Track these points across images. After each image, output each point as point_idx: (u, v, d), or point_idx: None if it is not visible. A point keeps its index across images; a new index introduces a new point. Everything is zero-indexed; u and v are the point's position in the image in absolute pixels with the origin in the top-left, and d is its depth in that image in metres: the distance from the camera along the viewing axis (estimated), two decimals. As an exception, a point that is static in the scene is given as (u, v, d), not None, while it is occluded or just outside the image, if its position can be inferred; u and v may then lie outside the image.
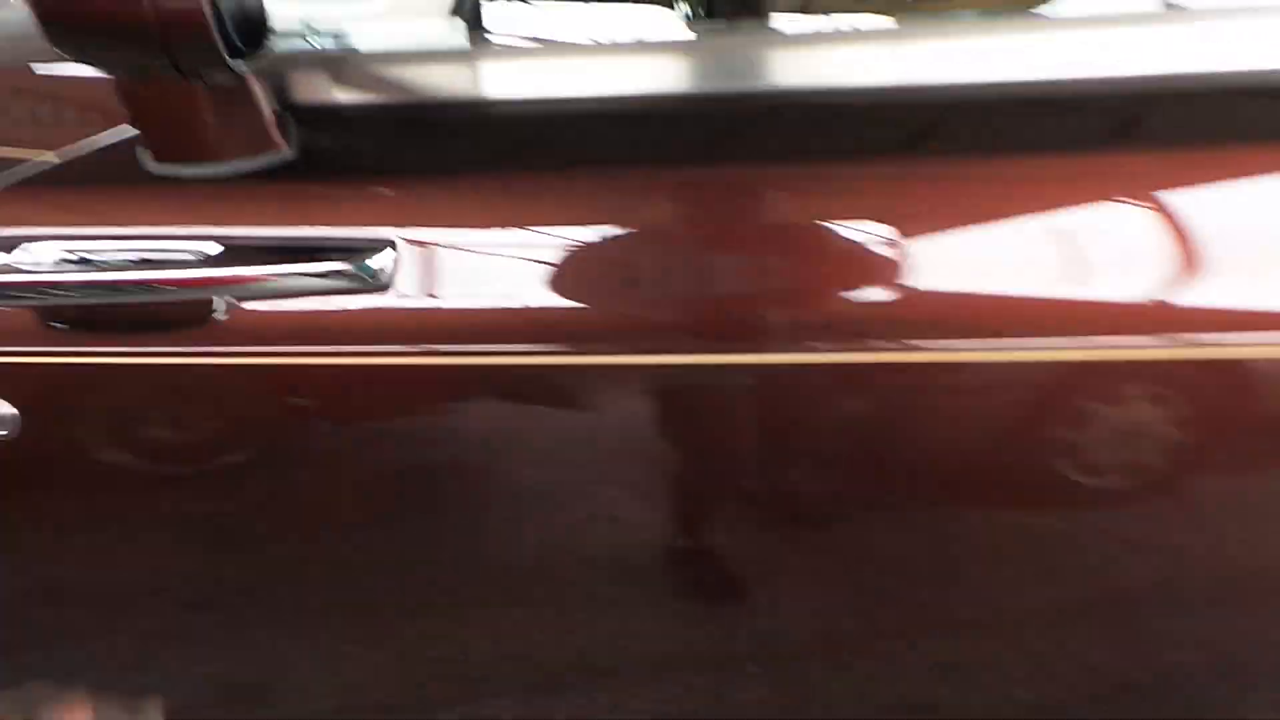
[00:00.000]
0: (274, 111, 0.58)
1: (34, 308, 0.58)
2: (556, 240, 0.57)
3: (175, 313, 0.58)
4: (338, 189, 0.60)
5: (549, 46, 0.81)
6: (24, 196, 0.60)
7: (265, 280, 0.56)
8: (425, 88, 0.64)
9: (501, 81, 0.65)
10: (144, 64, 0.50)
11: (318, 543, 0.64)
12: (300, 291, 0.57)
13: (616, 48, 0.76)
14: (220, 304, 0.58)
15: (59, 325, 0.58)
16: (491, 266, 0.57)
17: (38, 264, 0.58)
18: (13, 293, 0.57)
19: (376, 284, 0.56)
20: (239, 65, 0.52)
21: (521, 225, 0.58)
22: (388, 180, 0.60)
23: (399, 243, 0.57)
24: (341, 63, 0.63)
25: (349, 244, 0.57)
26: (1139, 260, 0.55)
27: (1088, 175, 0.57)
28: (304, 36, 0.64)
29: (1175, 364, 0.56)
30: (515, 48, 0.77)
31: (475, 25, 0.70)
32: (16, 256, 0.58)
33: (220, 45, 0.49)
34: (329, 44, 0.65)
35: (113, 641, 0.69)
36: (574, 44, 0.87)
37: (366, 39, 0.64)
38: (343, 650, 0.67)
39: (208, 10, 0.47)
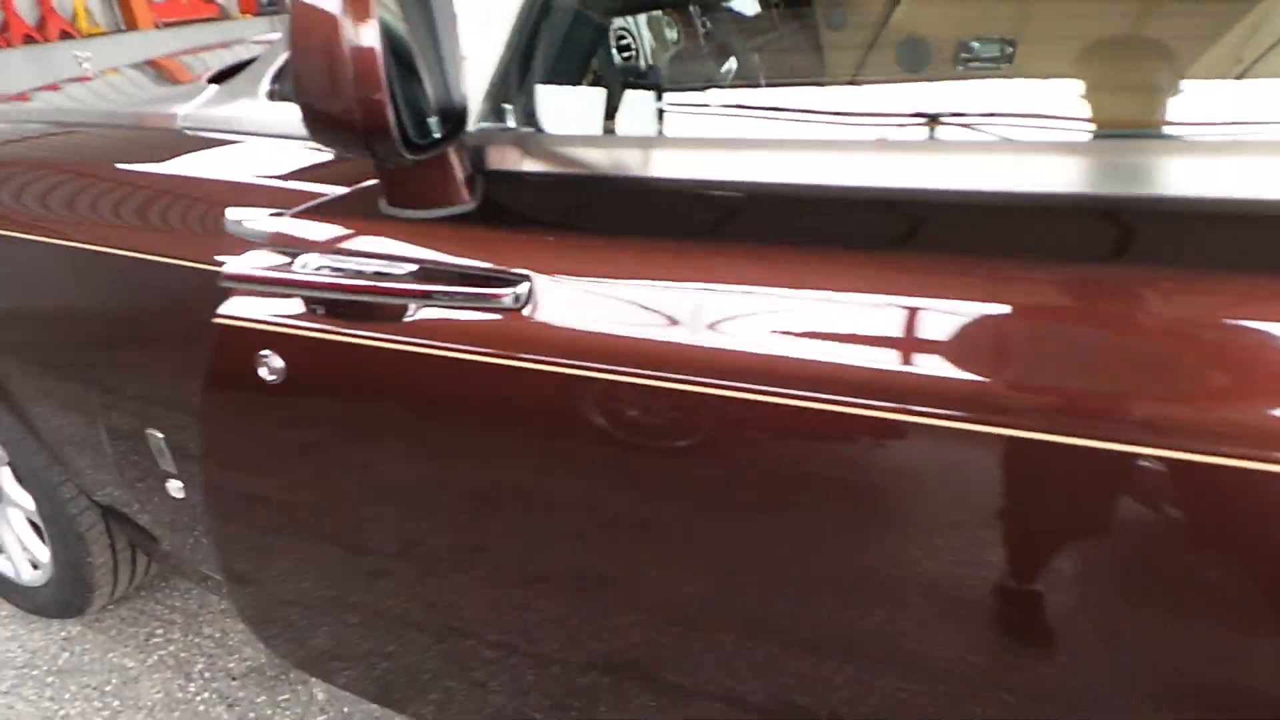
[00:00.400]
0: (468, 174, 0.78)
1: (302, 297, 0.83)
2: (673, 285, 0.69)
3: (385, 310, 0.79)
4: (500, 234, 0.77)
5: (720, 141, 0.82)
6: (310, 219, 0.84)
7: (441, 295, 0.76)
8: (584, 164, 0.80)
9: (651, 163, 0.78)
10: (358, 150, 0.70)
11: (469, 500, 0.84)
12: (463, 305, 0.75)
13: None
14: (412, 308, 0.77)
15: (315, 309, 0.82)
16: (613, 305, 0.70)
17: (306, 268, 0.82)
18: (292, 287, 0.83)
19: (515, 306, 0.73)
20: (417, 155, 0.71)
21: (643, 276, 0.70)
22: (537, 230, 0.77)
23: (535, 278, 0.72)
24: (525, 140, 0.81)
25: (501, 275, 0.74)
26: None
27: None
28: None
29: None
30: (673, 139, 0.85)
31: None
32: (298, 263, 0.82)
33: (399, 145, 0.69)
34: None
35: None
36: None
37: (548, 124, 0.83)
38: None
39: (393, 126, 0.67)
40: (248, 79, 1.09)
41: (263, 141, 1.05)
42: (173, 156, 1.08)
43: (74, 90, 1.61)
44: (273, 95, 1.06)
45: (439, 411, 0.80)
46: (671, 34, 1.65)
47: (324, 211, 0.84)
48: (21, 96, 1.69)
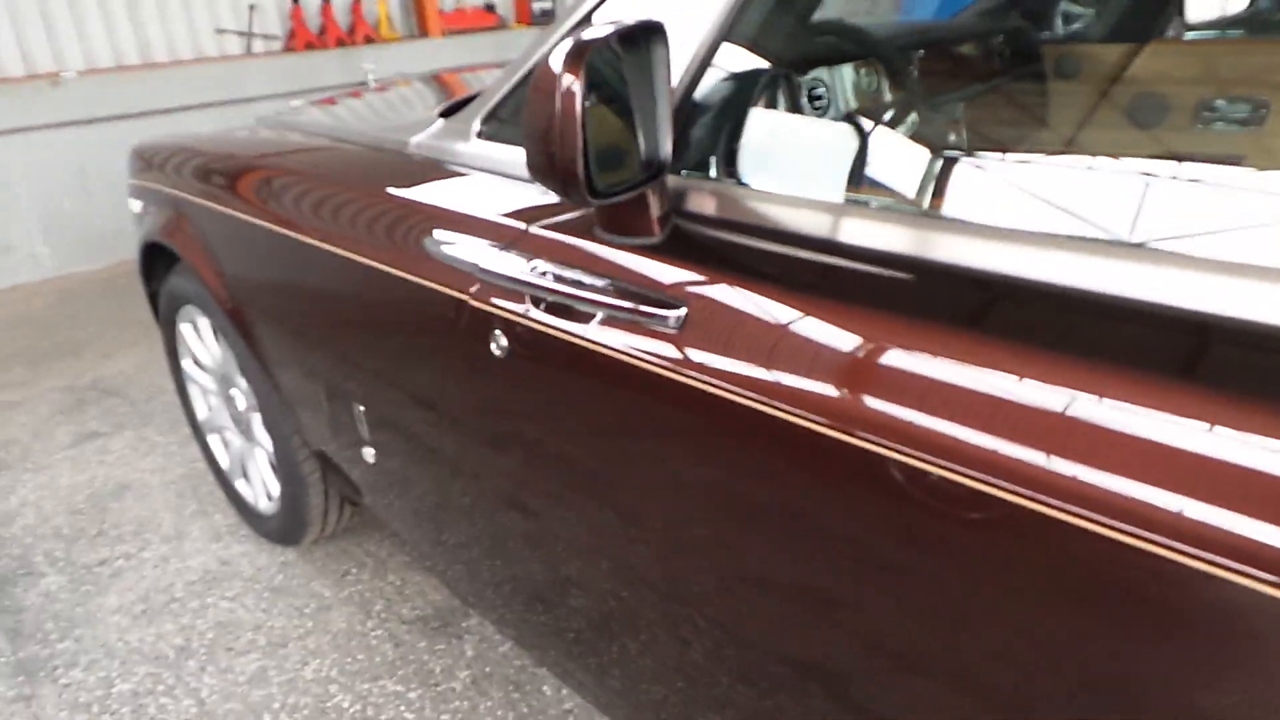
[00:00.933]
0: (663, 213, 0.92)
1: (527, 295, 1.01)
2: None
3: (579, 313, 0.95)
4: (674, 267, 0.88)
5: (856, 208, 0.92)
6: (549, 230, 1.03)
7: (643, 312, 0.88)
8: (759, 217, 0.90)
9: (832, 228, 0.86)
10: (555, 188, 0.85)
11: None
12: (634, 317, 0.89)
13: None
14: (599, 313, 0.92)
15: (536, 304, 1.00)
16: (755, 343, 0.79)
17: (535, 271, 1.00)
18: (521, 287, 1.01)
19: (674, 327, 0.85)
20: (599, 199, 0.85)
21: (787, 322, 0.78)
22: (705, 269, 0.87)
23: (690, 307, 0.84)
24: (717, 189, 0.96)
25: (667, 300, 0.86)
26: None
27: None
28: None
29: None
30: (850, 206, 0.94)
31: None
32: (531, 269, 1.01)
33: (584, 192, 0.83)
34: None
35: None
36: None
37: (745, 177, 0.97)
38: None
39: (581, 177, 0.82)
40: (464, 118, 1.27)
41: (471, 174, 1.22)
42: (399, 180, 1.29)
43: (345, 110, 1.90)
44: (480, 135, 1.23)
45: (608, 400, 0.94)
46: (870, 83, 1.64)
47: (560, 227, 1.02)
48: (329, 100, 2.03)
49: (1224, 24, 1.82)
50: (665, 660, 1.00)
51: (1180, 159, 1.29)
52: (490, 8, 6.05)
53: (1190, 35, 1.83)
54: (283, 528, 1.94)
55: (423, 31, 5.69)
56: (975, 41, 1.83)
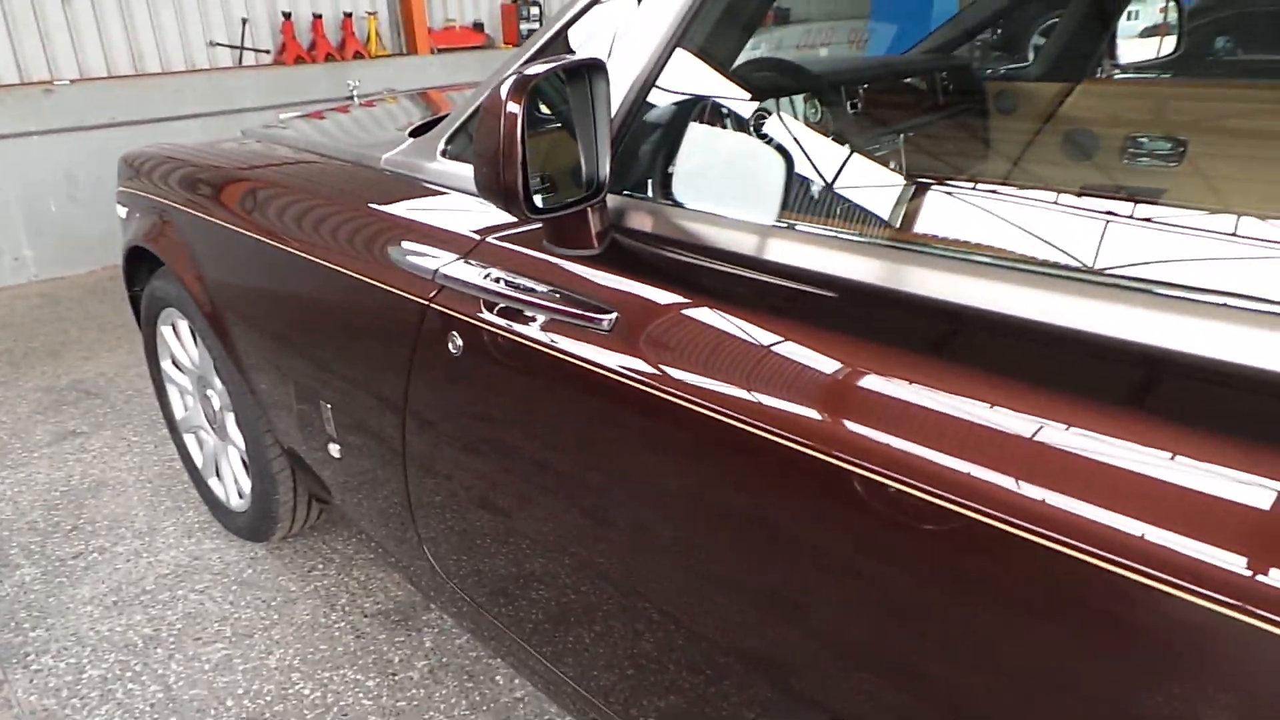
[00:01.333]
0: (602, 229, 1.02)
1: (480, 299, 1.10)
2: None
3: (524, 315, 1.04)
4: (609, 276, 0.98)
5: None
6: (503, 242, 1.13)
7: (579, 315, 0.97)
8: (685, 234, 1.00)
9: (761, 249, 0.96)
10: (498, 204, 0.95)
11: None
12: (571, 320, 0.98)
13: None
14: (542, 316, 1.02)
15: (487, 308, 1.09)
16: (680, 345, 0.89)
17: (488, 277, 1.10)
18: (476, 292, 1.10)
19: (605, 329, 0.94)
20: (538, 215, 0.95)
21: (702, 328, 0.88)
22: (635, 278, 0.96)
23: (620, 312, 0.93)
24: (652, 208, 1.06)
25: (601, 305, 0.96)
26: None
27: None
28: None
29: None
30: (772, 226, 1.03)
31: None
32: (485, 276, 1.10)
33: (524, 209, 0.93)
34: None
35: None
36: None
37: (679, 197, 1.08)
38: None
39: (521, 195, 0.91)
40: (431, 137, 1.37)
41: (435, 190, 1.32)
42: (370, 194, 1.38)
43: (331, 124, 2.00)
44: (444, 154, 1.32)
45: (550, 395, 1.03)
46: (814, 115, 1.73)
47: (512, 239, 1.12)
48: (317, 114, 2.13)
49: (1151, 66, 1.95)
50: (616, 649, 1.07)
51: (1104, 195, 1.37)
52: (479, 27, 6.18)
53: (1119, 76, 1.95)
54: (253, 524, 2.02)
55: (411, 49, 5.80)
56: (920, 77, 1.94)
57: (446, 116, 1.39)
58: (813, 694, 0.84)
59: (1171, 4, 1.97)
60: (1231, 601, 0.53)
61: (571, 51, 1.19)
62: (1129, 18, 2.10)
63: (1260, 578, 0.52)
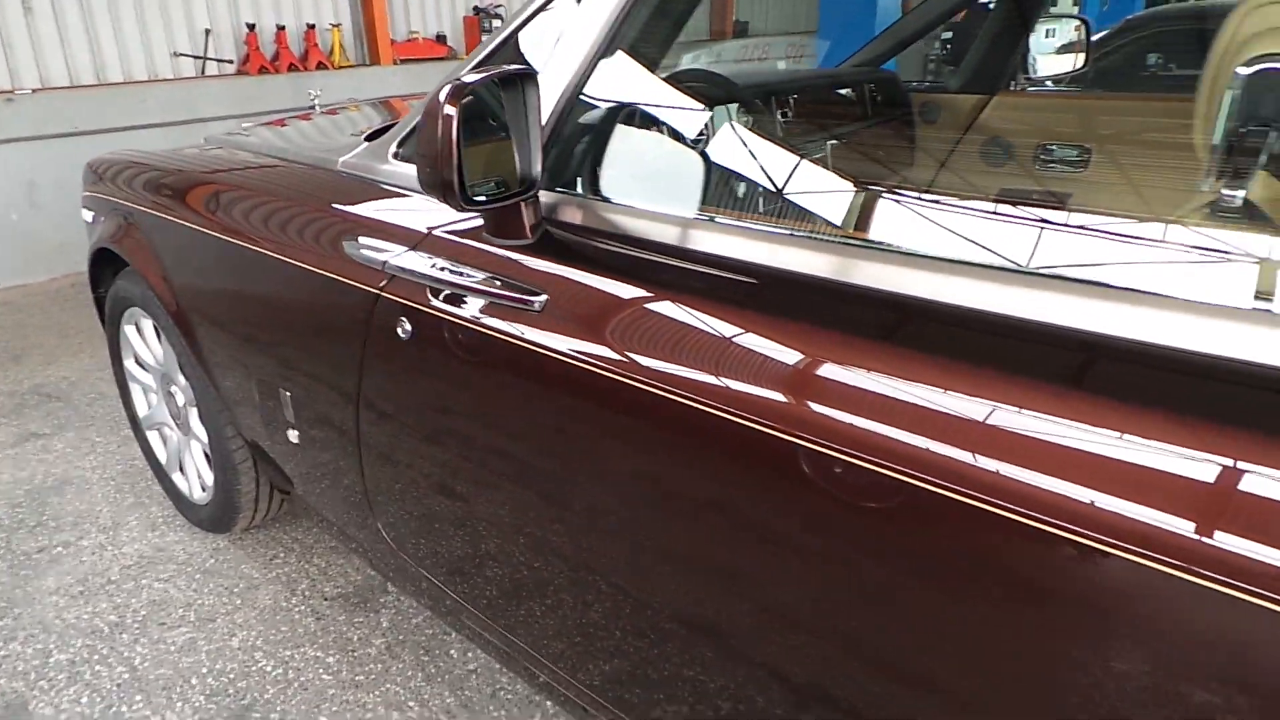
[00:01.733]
0: (535, 221, 1.13)
1: (426, 286, 1.20)
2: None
3: (465, 300, 1.14)
4: (542, 263, 1.09)
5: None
6: (448, 235, 1.23)
7: (513, 298, 1.08)
8: (610, 225, 1.11)
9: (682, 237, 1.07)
10: (438, 197, 1.06)
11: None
12: (507, 303, 1.09)
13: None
14: (480, 300, 1.12)
15: (433, 294, 1.19)
16: (604, 322, 1.00)
17: (434, 266, 1.19)
18: (422, 280, 1.20)
19: (536, 310, 1.05)
20: (473, 208, 1.06)
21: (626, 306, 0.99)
22: (564, 264, 1.07)
23: (550, 294, 1.04)
24: (582, 202, 1.16)
25: (532, 288, 1.07)
26: None
27: None
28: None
29: None
30: (687, 218, 1.12)
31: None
32: (429, 263, 1.20)
33: (459, 200, 1.04)
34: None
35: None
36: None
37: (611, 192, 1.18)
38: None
39: (456, 188, 1.02)
40: (384, 141, 1.47)
41: (387, 189, 1.42)
42: (327, 194, 1.48)
43: (292, 130, 2.09)
44: (396, 156, 1.43)
45: (489, 373, 1.14)
46: (744, 121, 1.84)
47: (455, 232, 1.22)
48: (279, 122, 2.21)
49: (1060, 79, 2.10)
50: (566, 618, 1.17)
51: (1016, 200, 1.45)
52: (441, 39, 6.28)
53: (1031, 89, 2.11)
54: (215, 516, 2.09)
55: (375, 60, 5.88)
56: (849, 87, 2.08)
57: (398, 123, 1.49)
58: (752, 656, 0.92)
59: (1079, 25, 2.13)
60: (1158, 557, 0.59)
61: (518, 60, 1.30)
62: (1046, 35, 2.26)
63: (1183, 533, 0.59)
